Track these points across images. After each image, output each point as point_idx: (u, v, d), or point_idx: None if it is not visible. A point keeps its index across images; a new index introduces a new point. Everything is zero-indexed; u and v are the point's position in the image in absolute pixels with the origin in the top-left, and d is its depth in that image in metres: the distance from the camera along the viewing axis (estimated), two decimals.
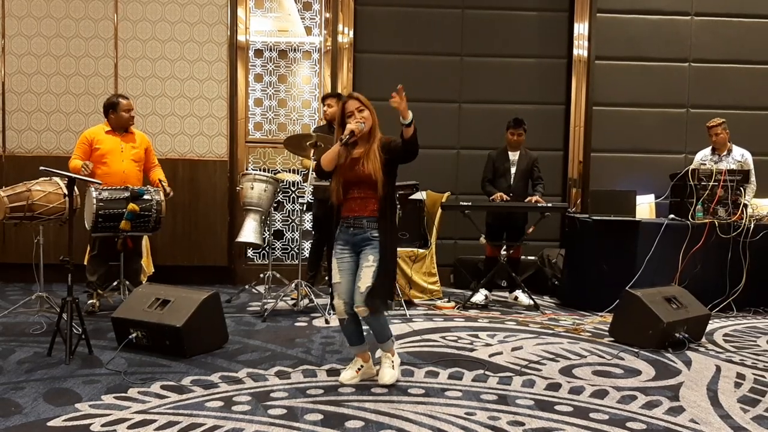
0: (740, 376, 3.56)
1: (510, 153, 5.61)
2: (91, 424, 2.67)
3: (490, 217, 5.62)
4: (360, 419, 2.78)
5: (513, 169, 5.57)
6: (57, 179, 4.49)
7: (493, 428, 2.71)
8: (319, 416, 2.81)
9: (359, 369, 3.32)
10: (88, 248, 4.96)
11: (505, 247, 5.46)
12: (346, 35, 6.44)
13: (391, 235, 3.23)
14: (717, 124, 5.81)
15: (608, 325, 4.44)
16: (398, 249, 3.67)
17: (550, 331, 4.55)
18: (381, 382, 3.26)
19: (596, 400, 3.10)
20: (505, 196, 5.42)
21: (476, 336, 4.36)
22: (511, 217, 5.54)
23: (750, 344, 4.31)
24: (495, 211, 5.56)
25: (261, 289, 5.61)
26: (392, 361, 3.35)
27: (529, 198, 5.41)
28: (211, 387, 3.18)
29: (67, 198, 4.18)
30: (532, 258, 6.33)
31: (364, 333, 3.37)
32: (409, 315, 4.95)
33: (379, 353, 3.73)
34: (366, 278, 3.13)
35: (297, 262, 5.60)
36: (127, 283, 4.88)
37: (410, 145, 3.10)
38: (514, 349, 4.02)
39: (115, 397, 3.00)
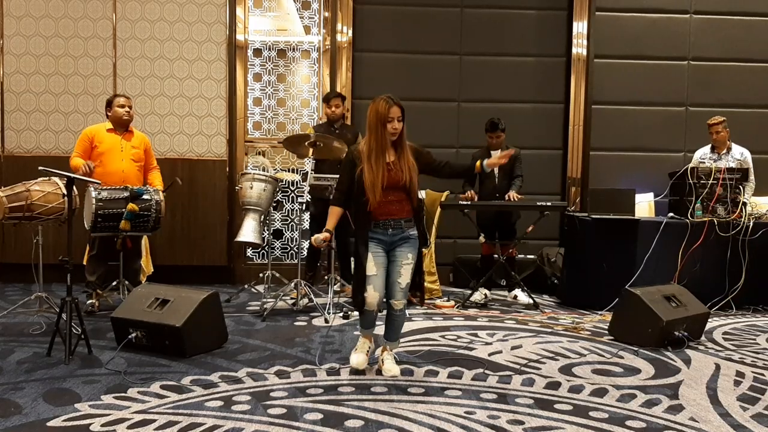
0: (740, 374, 3.56)
1: (492, 152, 5.58)
2: (90, 424, 2.67)
3: (479, 217, 5.62)
4: (360, 418, 2.78)
5: (496, 169, 5.55)
6: (56, 179, 4.49)
7: (492, 427, 2.71)
8: (319, 416, 2.81)
9: (368, 351, 3.54)
10: (88, 248, 4.96)
11: (498, 247, 5.46)
12: (345, 34, 6.43)
13: (422, 234, 3.52)
14: (718, 122, 5.81)
15: (608, 324, 4.45)
16: None
17: (550, 330, 4.55)
18: (389, 374, 3.40)
19: (596, 399, 3.10)
20: (474, 195, 5.43)
21: (476, 335, 4.36)
22: (500, 217, 5.54)
23: (749, 342, 4.31)
24: (483, 211, 5.56)
25: (260, 288, 5.61)
26: (393, 356, 3.56)
27: (506, 196, 5.39)
28: (210, 387, 3.18)
29: (66, 198, 4.18)
30: (532, 257, 6.33)
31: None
32: (409, 314, 4.95)
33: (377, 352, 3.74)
34: (406, 275, 3.40)
35: (296, 261, 5.60)
36: (127, 282, 4.88)
37: (463, 176, 3.69)
38: (513, 348, 4.02)
39: (115, 397, 3.00)
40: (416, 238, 3.43)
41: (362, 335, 3.60)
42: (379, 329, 3.64)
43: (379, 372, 3.45)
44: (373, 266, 3.36)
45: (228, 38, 6.23)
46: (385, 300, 3.44)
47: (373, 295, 3.35)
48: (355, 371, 3.44)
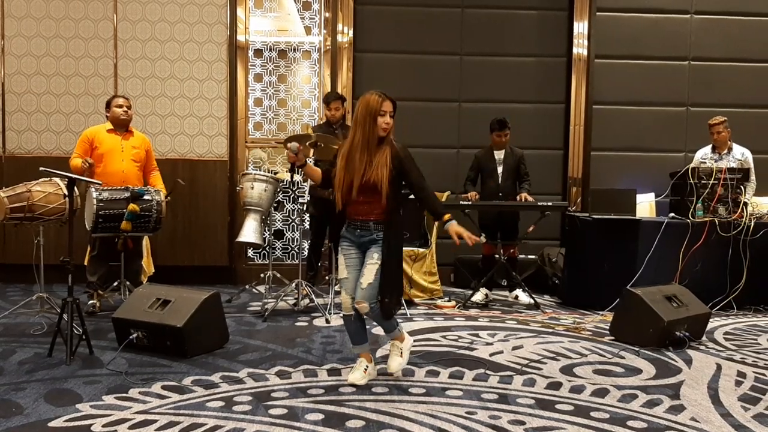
0: (741, 374, 3.56)
1: (495, 152, 5.60)
2: (92, 425, 2.67)
3: (481, 217, 5.61)
4: (361, 419, 2.78)
5: (500, 169, 5.56)
6: (57, 180, 4.49)
7: (494, 427, 2.71)
8: (320, 416, 2.81)
9: (365, 369, 3.30)
10: (89, 249, 4.96)
11: (501, 247, 5.46)
12: (345, 35, 6.44)
13: (396, 234, 3.26)
14: (719, 122, 5.81)
15: (609, 324, 4.45)
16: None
17: (551, 330, 4.55)
18: (389, 370, 3.31)
19: (597, 399, 3.10)
20: (476, 195, 5.44)
21: (477, 335, 4.36)
22: (501, 217, 5.54)
23: (750, 342, 4.31)
24: (485, 211, 5.56)
25: (261, 289, 5.61)
26: (400, 349, 3.37)
27: (518, 196, 5.42)
28: (211, 387, 3.18)
29: (67, 198, 4.18)
30: (533, 257, 6.33)
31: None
32: (410, 314, 4.95)
33: (380, 352, 3.74)
34: (368, 275, 3.18)
35: (297, 261, 5.60)
36: (128, 283, 4.88)
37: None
38: (514, 348, 4.02)
39: (116, 398, 3.00)
40: (382, 239, 3.21)
41: (358, 353, 3.36)
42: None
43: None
44: (344, 269, 3.26)
45: (229, 39, 6.23)
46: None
47: (345, 299, 3.24)
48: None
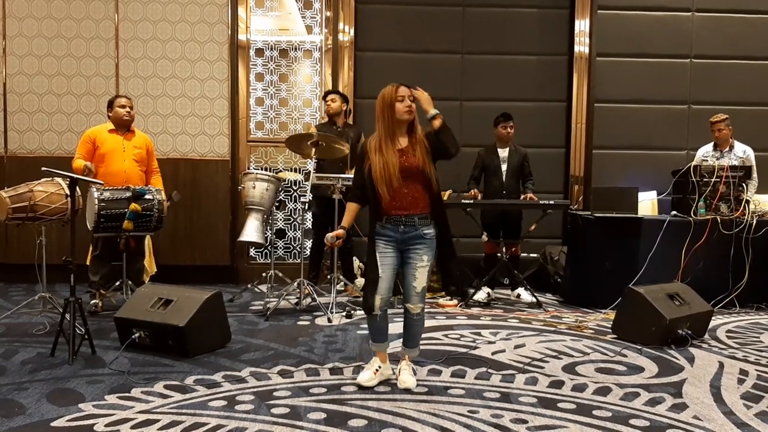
0: (743, 372, 3.55)
1: (499, 150, 5.60)
2: (94, 424, 2.67)
3: (484, 216, 5.61)
4: (363, 418, 2.78)
5: (504, 167, 5.56)
6: (59, 180, 4.50)
7: (496, 426, 2.71)
8: (322, 415, 2.81)
9: (377, 370, 3.25)
10: (91, 248, 4.97)
11: (503, 246, 5.46)
12: (346, 33, 6.43)
13: (448, 230, 3.25)
14: (720, 119, 5.79)
15: (611, 323, 4.44)
16: None
17: (553, 329, 4.54)
18: (403, 386, 3.18)
19: (599, 398, 3.10)
20: (478, 194, 5.44)
21: (479, 334, 4.36)
22: (505, 216, 5.53)
23: (753, 340, 4.31)
24: (487, 210, 5.56)
25: (263, 288, 5.61)
26: (412, 367, 3.33)
27: (523, 196, 5.43)
28: (214, 386, 3.18)
29: (69, 198, 4.18)
30: (535, 255, 6.33)
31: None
32: None
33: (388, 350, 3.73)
34: (422, 278, 3.17)
35: (299, 261, 5.61)
36: (130, 282, 4.88)
37: (442, 137, 3.16)
38: (516, 347, 4.02)
39: (119, 397, 3.00)
40: (432, 238, 3.17)
41: (375, 351, 3.31)
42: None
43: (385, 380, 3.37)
44: (379, 269, 3.15)
45: (230, 38, 6.23)
46: (401, 304, 3.27)
47: (377, 299, 3.15)
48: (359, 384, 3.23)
